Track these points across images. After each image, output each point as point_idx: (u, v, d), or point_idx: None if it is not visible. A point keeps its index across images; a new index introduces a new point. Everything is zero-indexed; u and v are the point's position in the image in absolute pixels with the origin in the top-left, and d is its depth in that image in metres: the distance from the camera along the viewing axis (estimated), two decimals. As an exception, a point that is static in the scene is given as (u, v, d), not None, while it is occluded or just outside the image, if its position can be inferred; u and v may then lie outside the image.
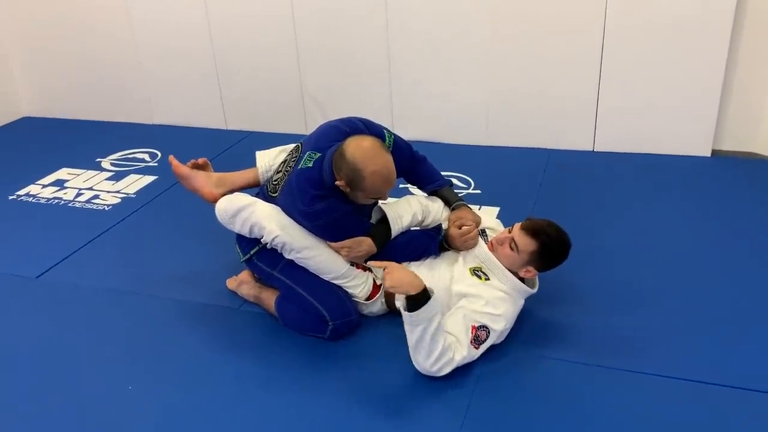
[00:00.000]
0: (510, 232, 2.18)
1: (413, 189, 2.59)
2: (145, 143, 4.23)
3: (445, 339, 2.00)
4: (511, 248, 2.14)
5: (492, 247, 2.23)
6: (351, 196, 2.15)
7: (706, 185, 3.30)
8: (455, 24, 3.68)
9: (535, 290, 2.25)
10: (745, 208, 3.05)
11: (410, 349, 2.02)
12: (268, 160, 2.52)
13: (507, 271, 2.19)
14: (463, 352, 2.03)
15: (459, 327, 2.07)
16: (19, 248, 3.04)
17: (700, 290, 2.46)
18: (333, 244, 2.22)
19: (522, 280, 2.21)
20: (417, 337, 1.97)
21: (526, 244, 2.12)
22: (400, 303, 2.02)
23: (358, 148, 2.06)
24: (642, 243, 2.80)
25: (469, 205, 2.42)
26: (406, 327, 1.99)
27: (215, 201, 2.38)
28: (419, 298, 1.95)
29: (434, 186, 2.44)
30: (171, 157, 2.55)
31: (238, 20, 4.08)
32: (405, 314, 1.98)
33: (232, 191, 2.45)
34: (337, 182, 2.11)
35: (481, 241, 2.29)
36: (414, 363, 2.04)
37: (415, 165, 2.44)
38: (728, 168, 3.47)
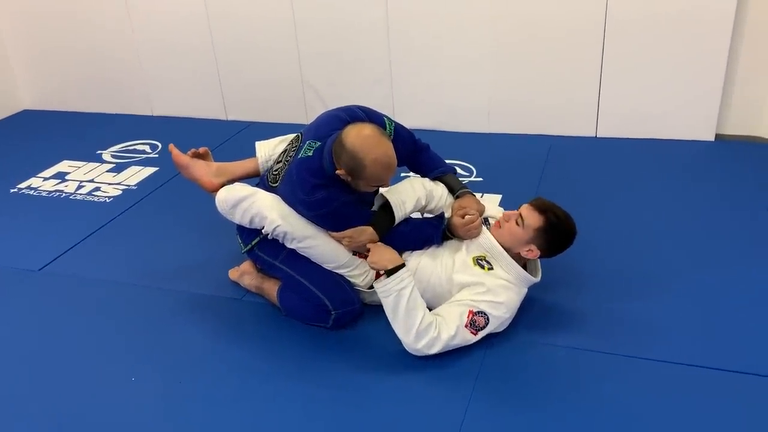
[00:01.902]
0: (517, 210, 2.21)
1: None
2: (145, 135, 4.23)
3: (424, 316, 2.05)
4: (517, 223, 2.15)
5: (498, 225, 2.22)
6: (352, 185, 2.13)
7: (709, 170, 3.29)
8: (456, 11, 3.66)
9: (538, 279, 2.24)
10: (749, 191, 3.03)
11: (392, 324, 2.09)
12: (268, 150, 2.50)
13: (511, 259, 2.18)
14: (450, 331, 2.05)
15: (451, 309, 2.10)
16: (20, 241, 3.04)
17: (704, 275, 2.45)
18: (334, 234, 2.21)
19: (524, 267, 2.21)
20: (391, 309, 2.08)
21: (533, 219, 2.13)
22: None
23: (358, 137, 2.04)
24: (646, 228, 2.79)
25: (473, 193, 2.41)
26: (381, 299, 2.11)
27: (215, 190, 2.37)
28: (394, 272, 2.09)
29: (438, 173, 2.42)
30: (171, 146, 2.54)
31: (238, 9, 4.05)
32: (375, 284, 2.13)
33: (231, 181, 2.44)
34: (337, 171, 2.09)
35: (485, 229, 2.28)
36: (405, 346, 2.08)
37: (418, 153, 2.42)
38: (732, 152, 3.45)
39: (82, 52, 4.56)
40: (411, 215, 2.33)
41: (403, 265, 2.12)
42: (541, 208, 2.15)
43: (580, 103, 3.69)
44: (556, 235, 2.15)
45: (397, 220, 2.26)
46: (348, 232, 2.19)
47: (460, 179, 2.47)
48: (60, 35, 4.55)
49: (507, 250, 2.19)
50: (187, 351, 2.25)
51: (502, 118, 3.85)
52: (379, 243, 2.19)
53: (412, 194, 2.30)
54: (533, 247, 2.16)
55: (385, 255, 2.15)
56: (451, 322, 2.07)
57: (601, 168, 3.39)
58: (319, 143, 2.18)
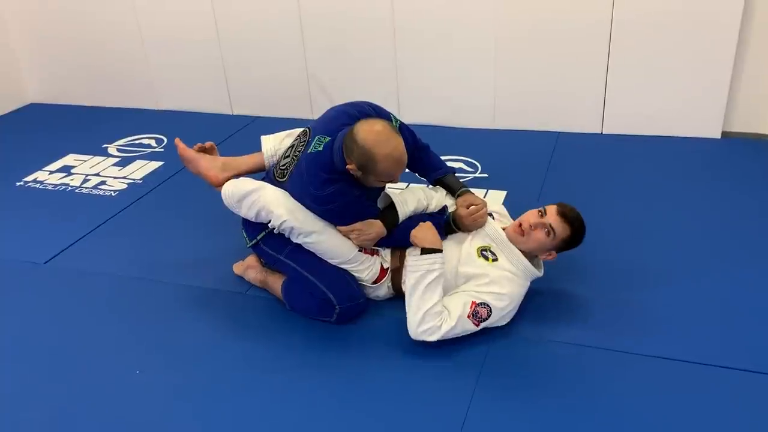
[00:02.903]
0: (542, 215, 2.16)
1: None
2: (151, 129, 4.23)
3: (437, 303, 2.07)
4: (548, 234, 2.14)
5: (521, 232, 2.18)
6: (362, 180, 2.14)
7: (716, 167, 3.27)
8: (462, 7, 3.65)
9: (541, 274, 2.25)
10: (756, 189, 3.02)
11: (406, 300, 2.12)
12: (274, 145, 2.50)
13: (517, 251, 2.19)
14: (451, 323, 2.06)
15: (455, 301, 2.11)
16: (26, 234, 3.05)
17: (710, 273, 2.44)
18: (342, 228, 2.21)
19: (530, 261, 2.21)
20: (412, 284, 2.09)
21: (563, 230, 2.14)
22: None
23: (370, 132, 2.04)
24: (652, 226, 2.78)
25: (474, 192, 2.41)
26: (408, 273, 2.14)
27: (220, 185, 2.37)
28: (430, 253, 2.12)
29: (439, 173, 2.43)
30: (177, 140, 2.54)
31: (243, 4, 4.05)
32: (409, 255, 2.19)
33: (237, 176, 2.43)
34: (348, 166, 2.09)
35: (490, 219, 2.29)
36: (408, 326, 2.09)
37: (419, 152, 2.42)
38: (738, 150, 3.44)
39: (88, 47, 4.56)
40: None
41: (440, 251, 2.13)
42: (571, 218, 2.15)
43: (586, 99, 3.68)
44: (576, 241, 2.19)
45: (401, 218, 2.27)
46: (357, 225, 2.19)
47: (464, 176, 2.47)
48: (66, 29, 4.55)
49: (524, 252, 2.20)
50: (192, 344, 2.26)
51: (507, 114, 3.84)
52: (431, 225, 2.20)
53: (412, 195, 2.34)
54: (553, 251, 2.20)
55: (429, 234, 2.16)
56: (454, 313, 2.08)
57: (607, 165, 3.38)
58: (329, 138, 2.18)
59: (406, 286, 2.13)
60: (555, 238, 2.14)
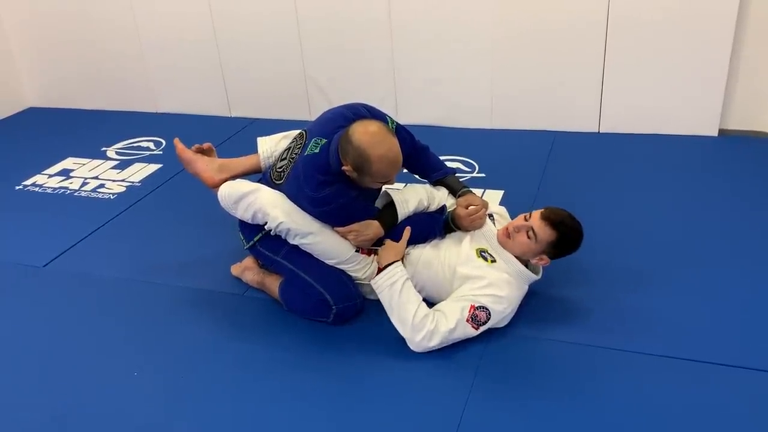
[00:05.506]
0: (527, 219, 2.16)
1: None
2: (149, 132, 4.25)
3: (418, 308, 2.08)
4: (529, 236, 2.13)
5: (507, 234, 2.19)
6: (358, 181, 2.15)
7: (713, 165, 3.28)
8: (459, 6, 3.66)
9: (539, 277, 2.25)
10: (753, 187, 3.02)
11: (392, 321, 2.13)
12: (270, 146, 2.51)
13: (512, 257, 2.19)
14: (449, 324, 2.06)
15: (452, 305, 2.11)
16: (25, 237, 3.06)
17: (707, 270, 2.44)
18: (340, 228, 2.22)
19: (526, 265, 2.21)
20: (386, 304, 2.14)
21: (547, 234, 2.12)
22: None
23: (365, 133, 2.05)
24: (649, 223, 2.78)
25: (474, 193, 2.42)
26: (379, 296, 2.17)
27: (216, 187, 2.38)
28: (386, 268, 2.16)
29: (439, 174, 2.44)
30: (176, 140, 2.55)
31: (241, 6, 4.06)
32: (372, 283, 2.19)
33: (233, 177, 2.44)
34: (343, 167, 2.10)
35: (489, 221, 2.29)
36: (408, 343, 2.10)
37: (418, 154, 2.43)
38: (735, 147, 3.44)
39: (87, 50, 4.58)
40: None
41: (395, 261, 2.15)
42: (554, 221, 2.12)
43: (583, 98, 3.68)
44: (566, 245, 2.17)
45: (400, 218, 2.28)
46: (354, 226, 2.20)
47: (463, 176, 2.47)
48: (65, 33, 4.57)
49: (517, 256, 2.20)
50: (190, 346, 2.26)
51: (504, 113, 3.85)
52: (387, 241, 2.22)
53: (414, 195, 2.33)
54: (544, 256, 2.18)
55: (386, 254, 2.19)
56: (451, 316, 2.08)
57: (604, 163, 3.38)
58: (325, 140, 2.19)
59: (385, 308, 2.15)
60: (538, 241, 2.12)
